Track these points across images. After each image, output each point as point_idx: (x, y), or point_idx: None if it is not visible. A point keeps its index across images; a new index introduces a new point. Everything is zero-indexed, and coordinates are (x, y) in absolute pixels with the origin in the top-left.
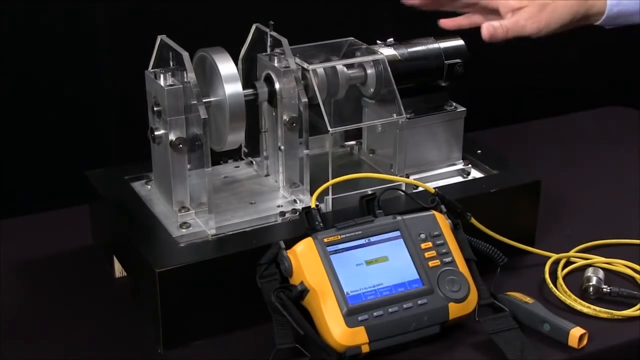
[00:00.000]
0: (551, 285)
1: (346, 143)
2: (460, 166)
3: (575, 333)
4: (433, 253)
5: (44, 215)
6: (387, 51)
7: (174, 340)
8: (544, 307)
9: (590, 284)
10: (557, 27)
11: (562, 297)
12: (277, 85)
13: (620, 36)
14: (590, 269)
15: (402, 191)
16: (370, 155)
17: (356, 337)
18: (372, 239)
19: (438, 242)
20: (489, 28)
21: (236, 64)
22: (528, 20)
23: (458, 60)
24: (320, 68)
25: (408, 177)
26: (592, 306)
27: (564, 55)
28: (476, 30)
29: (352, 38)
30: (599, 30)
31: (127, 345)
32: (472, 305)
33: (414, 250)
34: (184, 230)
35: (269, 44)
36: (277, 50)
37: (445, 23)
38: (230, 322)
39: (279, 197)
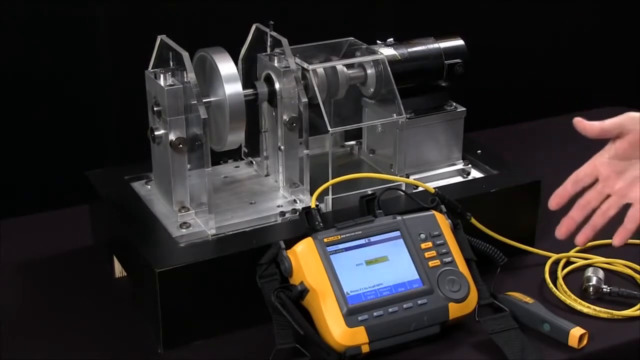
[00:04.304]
0: (551, 285)
1: (346, 143)
2: (460, 166)
3: (575, 333)
4: (433, 253)
5: (44, 215)
6: (387, 51)
7: (174, 340)
8: (544, 307)
9: (590, 284)
10: None
11: (562, 297)
12: (277, 85)
13: (620, 36)
14: (590, 269)
15: (402, 191)
16: (370, 155)
17: (356, 337)
18: (372, 239)
19: (438, 242)
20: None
21: (236, 64)
22: None
23: (458, 60)
24: (320, 68)
25: (408, 177)
26: (592, 306)
27: (564, 55)
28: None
29: (352, 38)
30: (599, 31)
31: (127, 345)
32: (472, 305)
33: (414, 250)
34: (184, 230)
35: (269, 44)
36: (277, 50)
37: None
38: (230, 322)
39: (279, 197)
